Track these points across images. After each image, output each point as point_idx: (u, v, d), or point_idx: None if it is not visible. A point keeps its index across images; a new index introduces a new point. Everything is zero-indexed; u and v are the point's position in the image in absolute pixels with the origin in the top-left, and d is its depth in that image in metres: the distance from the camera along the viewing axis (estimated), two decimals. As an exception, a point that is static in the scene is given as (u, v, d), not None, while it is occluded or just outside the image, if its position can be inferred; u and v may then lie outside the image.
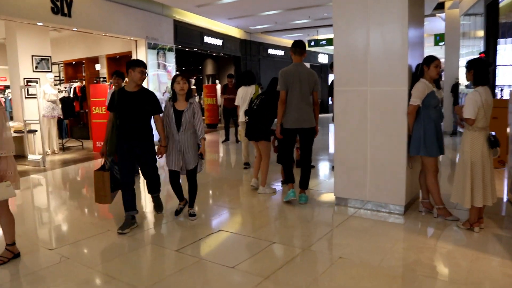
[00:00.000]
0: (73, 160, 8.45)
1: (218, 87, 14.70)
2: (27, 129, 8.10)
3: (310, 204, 4.80)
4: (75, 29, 8.22)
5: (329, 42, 15.31)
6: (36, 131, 8.49)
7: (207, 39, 13.13)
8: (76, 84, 11.34)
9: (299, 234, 3.96)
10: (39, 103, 7.68)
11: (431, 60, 4.00)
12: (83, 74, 11.76)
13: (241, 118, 6.60)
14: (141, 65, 4.00)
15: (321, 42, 15.46)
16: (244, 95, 6.60)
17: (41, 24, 7.31)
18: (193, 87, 15.86)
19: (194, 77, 18.06)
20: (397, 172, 4.23)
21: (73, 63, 12.13)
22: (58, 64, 12.61)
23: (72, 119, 11.71)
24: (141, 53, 10.00)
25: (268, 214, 4.63)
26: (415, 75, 4.12)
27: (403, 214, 4.25)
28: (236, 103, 6.90)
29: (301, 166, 4.84)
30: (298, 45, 4.71)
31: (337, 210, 4.57)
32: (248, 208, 4.92)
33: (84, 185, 6.57)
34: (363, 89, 4.37)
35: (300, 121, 4.61)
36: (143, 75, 4.00)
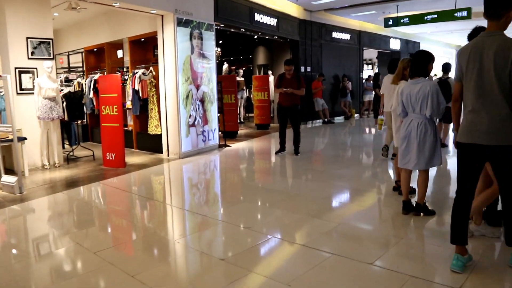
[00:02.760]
0: (71, 179, 6.11)
1: (271, 79, 12.03)
2: (10, 137, 5.92)
3: None
4: (70, -4, 5.87)
5: (414, 20, 11.98)
6: (25, 139, 6.32)
7: (258, 17, 10.33)
8: (97, 76, 9.10)
9: None
10: (11, 101, 5.42)
11: None
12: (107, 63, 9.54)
13: (386, 108, 6.24)
14: None
15: (402, 20, 12.16)
16: (389, 84, 6.21)
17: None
18: (241, 79, 13.32)
19: (244, 68, 15.51)
20: None
21: (95, 50, 9.93)
22: (81, 52, 10.55)
23: (87, 119, 9.62)
24: (168, 33, 7.48)
25: None
26: None
27: None
28: (381, 92, 6.56)
29: (504, 219, 2.81)
30: None
31: None
32: None
33: (61, 241, 4.12)
34: None
35: (478, 132, 2.69)
36: None
